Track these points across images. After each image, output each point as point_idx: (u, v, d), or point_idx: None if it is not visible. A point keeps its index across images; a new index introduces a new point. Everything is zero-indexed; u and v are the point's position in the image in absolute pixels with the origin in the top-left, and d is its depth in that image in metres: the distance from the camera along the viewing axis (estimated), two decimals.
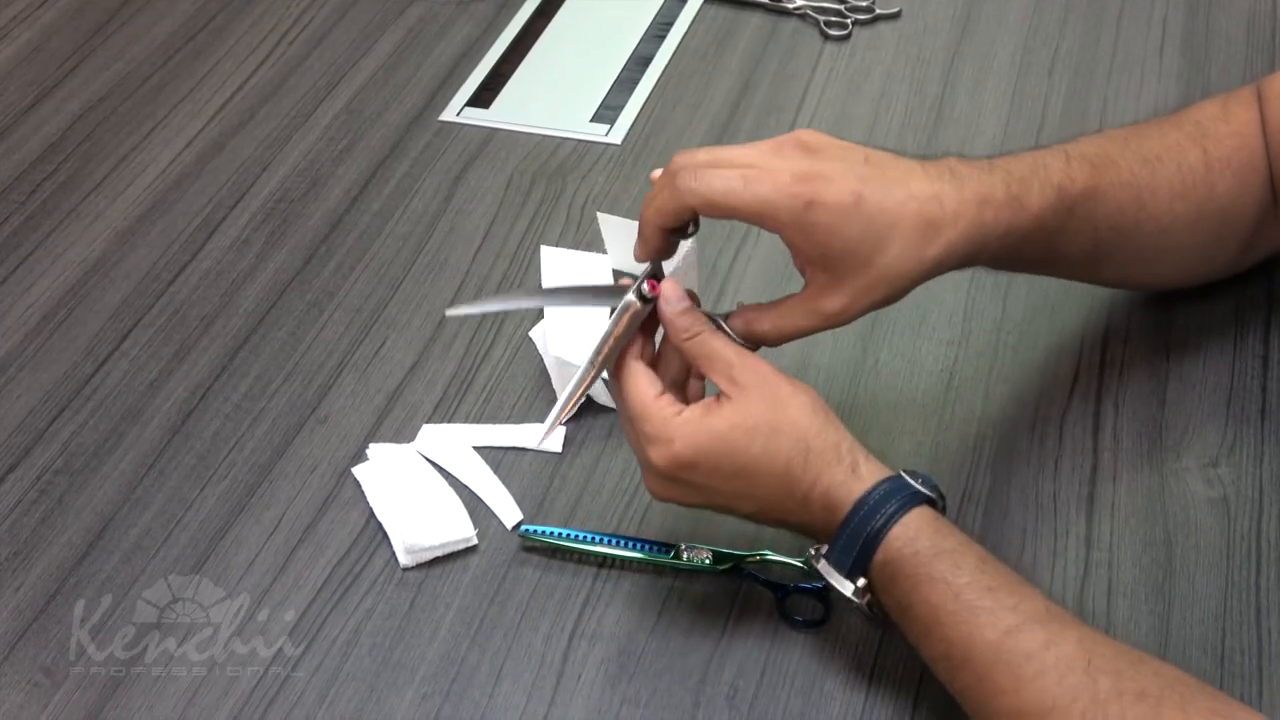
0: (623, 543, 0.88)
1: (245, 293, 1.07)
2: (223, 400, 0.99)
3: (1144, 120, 0.94)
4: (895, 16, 1.31)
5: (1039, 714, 0.69)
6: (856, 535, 0.75)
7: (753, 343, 0.82)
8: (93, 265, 1.11)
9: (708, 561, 0.86)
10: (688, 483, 0.79)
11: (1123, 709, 0.68)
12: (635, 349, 0.81)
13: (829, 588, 0.78)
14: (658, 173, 0.82)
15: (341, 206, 1.15)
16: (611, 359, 0.81)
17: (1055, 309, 1.01)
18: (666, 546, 0.87)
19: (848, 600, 0.77)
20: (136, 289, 1.08)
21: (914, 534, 0.75)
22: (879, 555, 0.75)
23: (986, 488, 0.90)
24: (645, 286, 0.82)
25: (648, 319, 0.82)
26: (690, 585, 0.86)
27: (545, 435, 0.83)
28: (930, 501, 0.77)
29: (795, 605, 0.84)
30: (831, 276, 0.79)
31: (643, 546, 0.87)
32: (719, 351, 0.79)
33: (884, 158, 0.81)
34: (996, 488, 0.90)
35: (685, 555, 0.86)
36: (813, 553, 0.79)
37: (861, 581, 0.76)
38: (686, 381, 0.83)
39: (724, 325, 0.82)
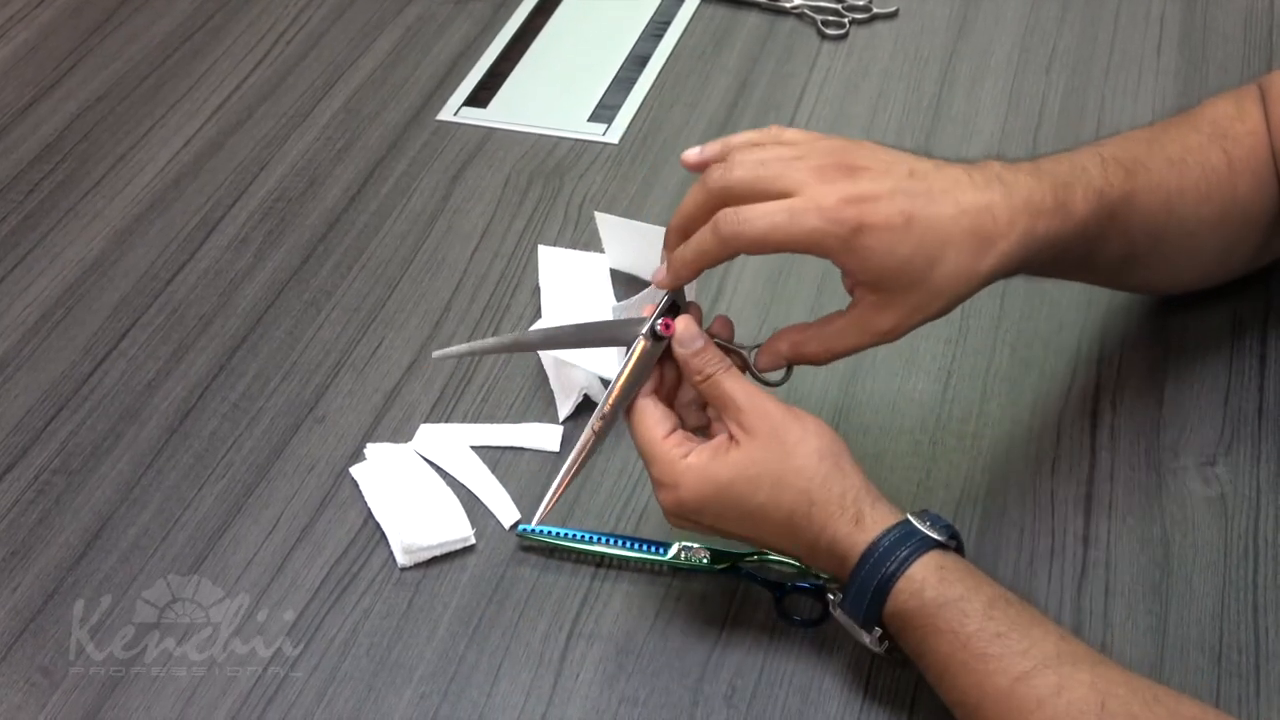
0: (620, 542, 0.88)
1: (243, 292, 1.07)
2: (220, 400, 0.99)
3: (1155, 121, 0.93)
4: (892, 16, 1.31)
5: None
6: (865, 588, 0.75)
7: (799, 363, 0.81)
8: (91, 265, 1.11)
9: (705, 561, 0.86)
10: (696, 522, 0.79)
11: None
12: (648, 385, 0.80)
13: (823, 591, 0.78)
14: (694, 153, 0.79)
15: (339, 206, 1.15)
16: (624, 402, 0.80)
17: (1053, 308, 1.01)
18: (664, 546, 0.87)
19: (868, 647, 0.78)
20: (134, 288, 1.08)
21: (919, 585, 0.74)
22: (888, 607, 0.75)
23: (984, 487, 0.90)
24: (659, 326, 0.80)
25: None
26: (688, 584, 0.86)
27: (548, 507, 0.81)
28: (940, 544, 0.76)
29: (793, 604, 0.84)
30: (883, 296, 0.77)
31: (640, 546, 0.87)
32: (730, 396, 0.78)
33: (928, 168, 0.78)
34: (994, 487, 0.90)
35: (683, 555, 0.86)
36: (831, 599, 0.79)
37: (878, 631, 0.76)
38: (704, 407, 0.82)
39: (749, 360, 0.82)
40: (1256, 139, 0.90)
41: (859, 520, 0.76)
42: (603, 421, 0.80)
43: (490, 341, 0.96)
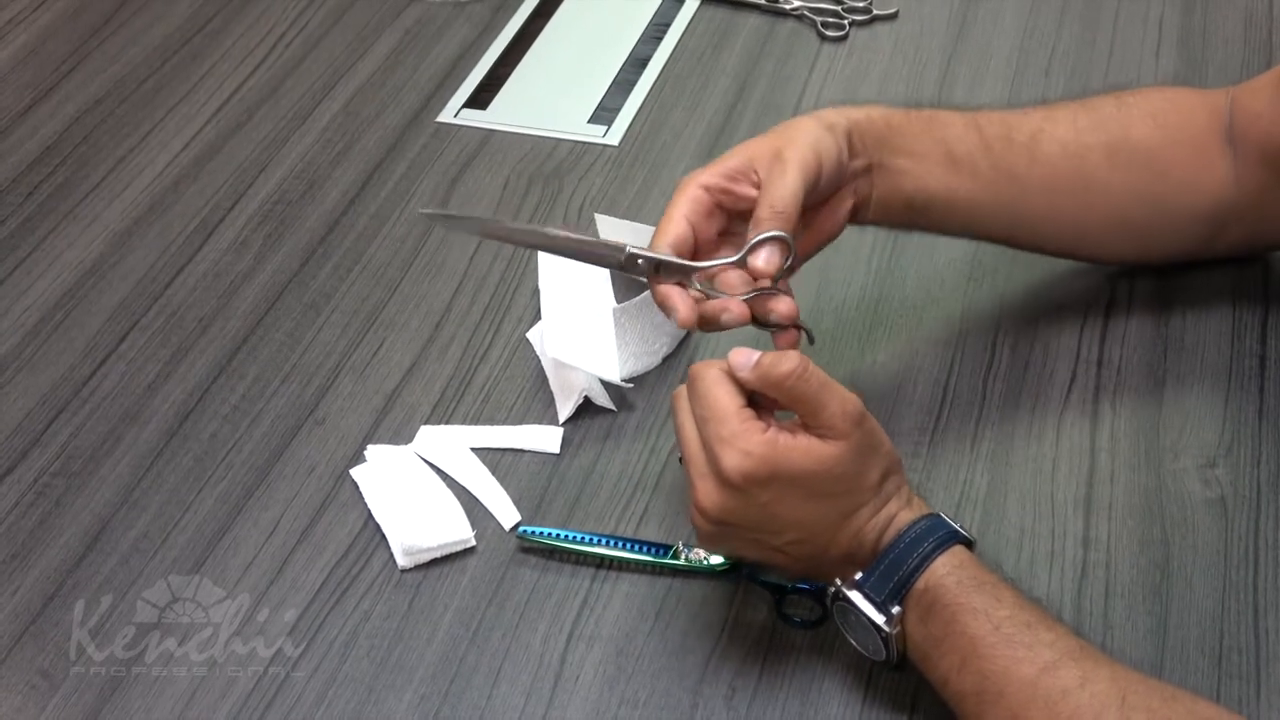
0: (621, 544, 0.88)
1: (243, 294, 1.07)
2: (220, 402, 0.99)
3: None
4: (892, 17, 1.31)
5: None
6: (900, 561, 0.75)
7: (785, 227, 0.82)
8: (90, 267, 1.11)
9: (706, 562, 0.86)
10: (749, 498, 0.76)
11: None
12: (724, 366, 0.79)
13: (830, 605, 0.78)
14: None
15: (339, 208, 1.15)
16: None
17: (1052, 309, 1.01)
18: (664, 547, 0.87)
19: (869, 636, 0.76)
20: (134, 291, 1.08)
21: (957, 565, 0.75)
22: (920, 582, 0.75)
23: (984, 489, 0.90)
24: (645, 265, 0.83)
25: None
26: (688, 586, 0.86)
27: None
28: (967, 543, 0.77)
29: (793, 605, 0.84)
30: (769, 157, 0.84)
31: (641, 547, 0.87)
32: (821, 393, 0.76)
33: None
34: (994, 488, 0.90)
35: (683, 556, 0.86)
36: (839, 583, 0.77)
37: (896, 610, 0.75)
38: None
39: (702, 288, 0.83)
40: (1171, 103, 0.95)
41: (909, 501, 0.78)
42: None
43: (490, 222, 0.96)
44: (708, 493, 0.76)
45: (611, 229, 1.04)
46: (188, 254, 1.11)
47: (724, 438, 0.75)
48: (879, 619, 0.76)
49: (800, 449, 0.75)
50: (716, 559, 0.86)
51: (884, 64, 1.26)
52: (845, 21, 1.30)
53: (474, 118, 1.23)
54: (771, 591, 0.85)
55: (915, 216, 0.92)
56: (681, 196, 0.84)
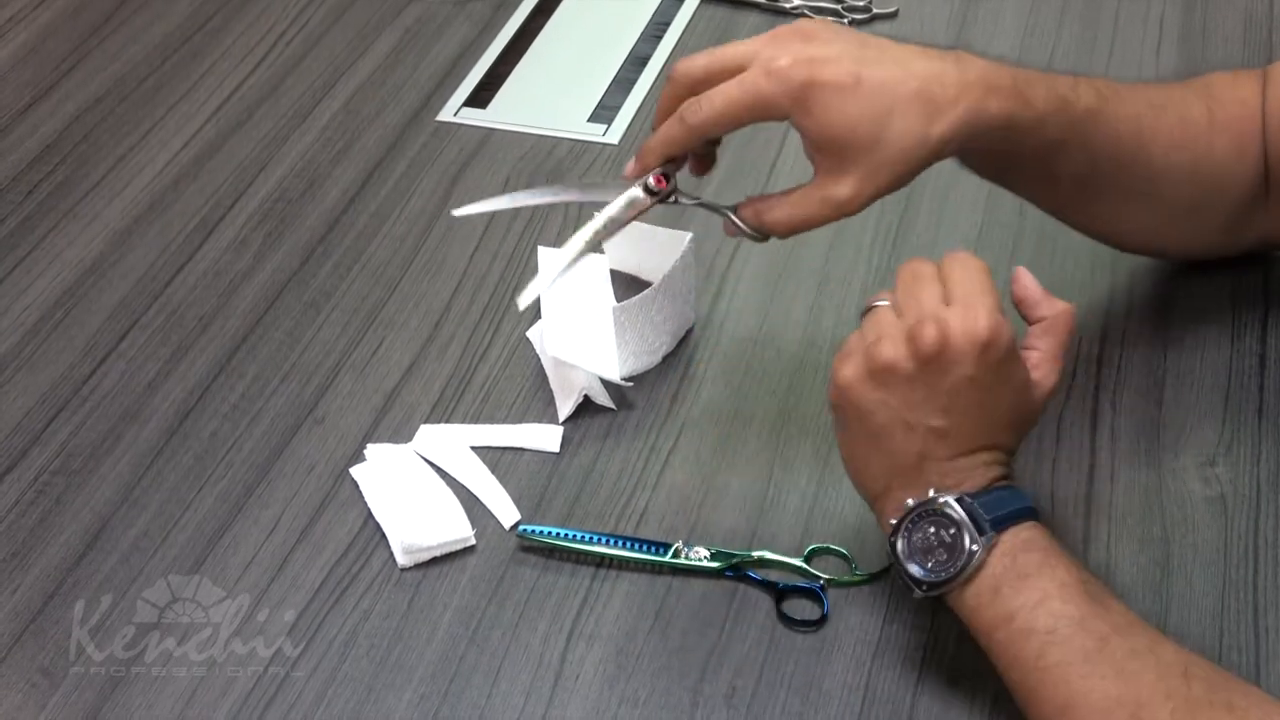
0: (620, 542, 0.88)
1: (242, 293, 1.07)
2: (220, 401, 0.99)
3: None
4: (892, 16, 1.31)
5: (1134, 704, 0.70)
6: (1007, 501, 0.76)
7: (763, 233, 0.84)
8: (90, 266, 1.11)
9: (706, 561, 0.86)
10: (963, 362, 0.75)
11: (1212, 715, 0.69)
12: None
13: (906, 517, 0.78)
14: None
15: (339, 207, 1.15)
16: (605, 237, 0.86)
17: None
18: (664, 546, 0.87)
19: (952, 548, 0.75)
20: (134, 289, 1.08)
21: (1045, 528, 0.77)
22: (1028, 522, 0.76)
23: None
24: (652, 180, 0.85)
25: None
26: (688, 585, 0.86)
27: (527, 299, 0.87)
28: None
29: (793, 605, 0.84)
30: (837, 161, 0.80)
31: (640, 546, 0.87)
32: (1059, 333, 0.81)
33: (883, 41, 0.83)
34: None
35: (683, 555, 0.86)
36: (934, 493, 0.76)
37: (990, 535, 0.75)
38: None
39: (734, 217, 0.85)
40: (1244, 108, 0.92)
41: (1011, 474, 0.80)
42: (584, 244, 0.86)
43: (507, 199, 0.97)
44: (892, 349, 0.76)
45: None
46: (188, 252, 1.11)
47: (990, 305, 0.76)
48: (976, 539, 0.75)
49: (1024, 369, 0.78)
50: (715, 562, 0.86)
51: None
52: (845, 21, 1.30)
53: (474, 116, 1.23)
54: (771, 591, 0.85)
55: (1010, 140, 0.86)
56: (683, 138, 0.84)
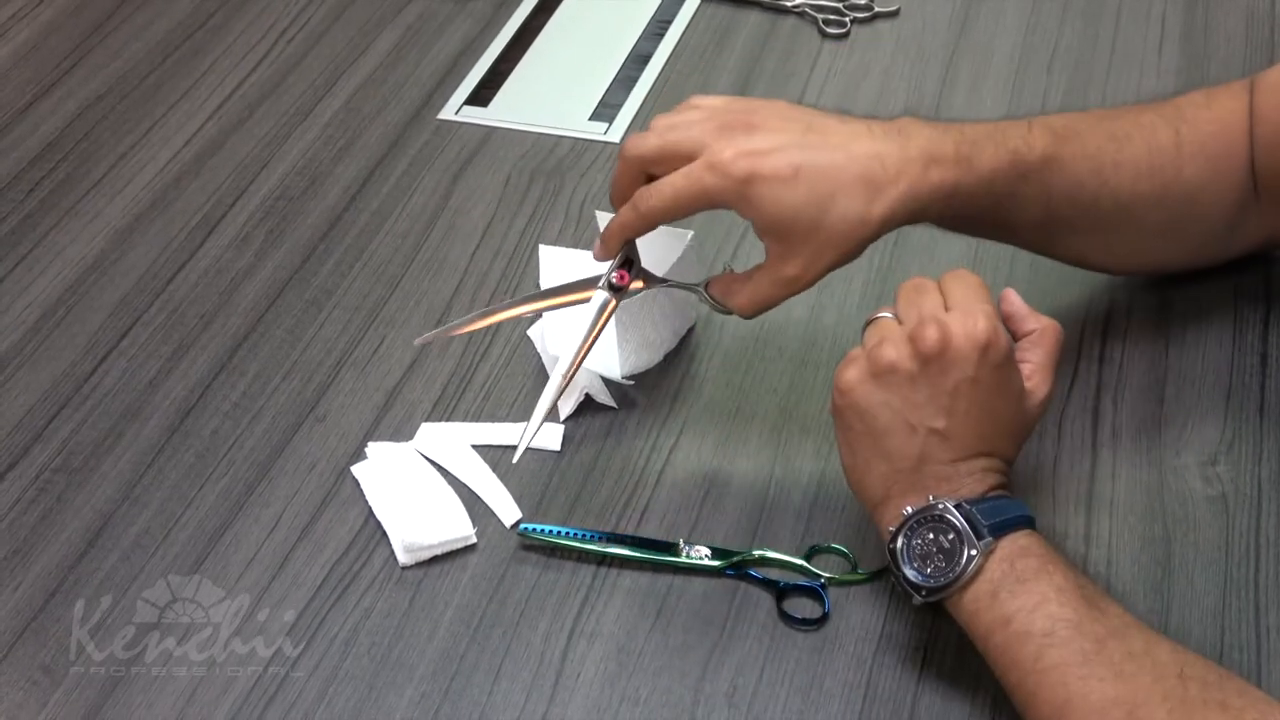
0: (622, 541, 0.88)
1: (244, 291, 1.07)
2: (221, 399, 0.99)
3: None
4: (894, 14, 1.31)
5: (1130, 705, 0.70)
6: (1004, 508, 0.77)
7: (729, 312, 0.88)
8: (91, 263, 1.11)
9: (707, 559, 0.86)
10: (964, 364, 0.77)
11: (1206, 715, 0.69)
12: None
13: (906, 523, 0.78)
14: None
15: (340, 205, 1.15)
16: (589, 347, 0.88)
17: (1053, 306, 1.00)
18: (665, 545, 0.87)
19: (951, 554, 0.76)
20: (135, 287, 1.08)
21: (1043, 538, 0.77)
22: (1024, 531, 0.77)
23: None
24: (615, 278, 0.89)
25: None
26: (689, 584, 0.86)
27: (526, 443, 0.87)
28: None
29: (794, 604, 0.84)
30: (784, 245, 0.84)
31: (642, 545, 0.87)
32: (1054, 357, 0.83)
33: (829, 123, 0.85)
34: None
35: (684, 553, 0.86)
36: (933, 499, 0.78)
37: (988, 540, 0.75)
38: None
39: (705, 293, 0.89)
40: (1219, 125, 0.92)
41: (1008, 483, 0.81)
42: (563, 379, 0.87)
43: (463, 320, 0.95)
44: (896, 349, 0.78)
45: None
46: (189, 250, 1.11)
47: (989, 311, 0.79)
48: (972, 546, 0.75)
49: (1020, 375, 0.81)
50: (716, 560, 0.86)
51: (885, 61, 1.26)
52: (847, 19, 1.30)
53: (475, 115, 1.23)
54: (772, 590, 0.85)
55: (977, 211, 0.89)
56: (637, 226, 0.88)
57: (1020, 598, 0.74)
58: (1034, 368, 0.82)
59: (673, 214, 0.86)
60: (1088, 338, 0.99)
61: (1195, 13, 1.27)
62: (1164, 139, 0.91)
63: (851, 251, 0.84)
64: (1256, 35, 1.25)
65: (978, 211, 0.87)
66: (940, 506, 0.77)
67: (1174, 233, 0.95)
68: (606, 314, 0.89)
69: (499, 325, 1.02)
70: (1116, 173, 0.90)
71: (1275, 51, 1.23)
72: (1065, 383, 0.96)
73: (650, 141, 0.86)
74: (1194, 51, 1.23)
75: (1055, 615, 0.73)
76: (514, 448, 0.87)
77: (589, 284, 0.90)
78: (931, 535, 0.77)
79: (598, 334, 0.89)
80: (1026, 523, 0.77)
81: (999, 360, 0.78)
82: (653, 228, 0.88)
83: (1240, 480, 0.89)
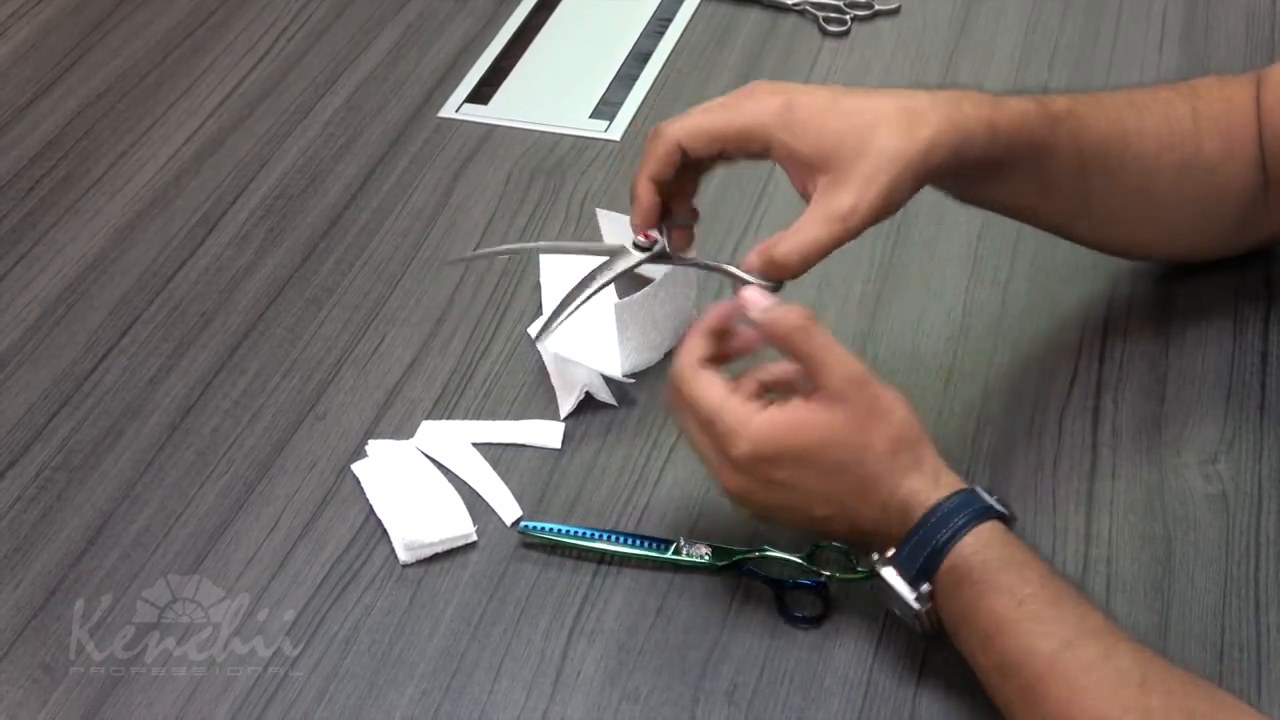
0: (622, 539, 0.88)
1: (244, 289, 1.07)
2: (222, 397, 0.99)
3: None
4: (894, 12, 1.31)
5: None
6: (928, 539, 0.75)
7: (775, 277, 0.82)
8: (92, 261, 1.11)
9: (707, 557, 0.86)
10: (767, 479, 0.78)
11: None
12: (697, 354, 0.80)
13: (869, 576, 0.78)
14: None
15: (340, 203, 1.15)
16: (596, 291, 0.87)
17: (1054, 305, 1.01)
18: (666, 543, 0.87)
19: (905, 609, 0.77)
20: (135, 285, 1.08)
21: (985, 543, 0.75)
22: (947, 561, 0.75)
23: (986, 484, 0.89)
24: (641, 238, 0.86)
25: (708, 331, 0.83)
26: (689, 581, 0.86)
27: (541, 333, 0.88)
28: (1002, 518, 0.77)
29: (795, 601, 0.84)
30: (831, 175, 0.80)
31: (642, 543, 0.87)
32: (822, 351, 0.78)
33: (852, 88, 0.85)
34: (995, 483, 0.90)
35: (684, 551, 0.86)
36: (875, 558, 0.78)
37: (925, 587, 0.76)
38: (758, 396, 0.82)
39: (736, 272, 0.83)
40: (1231, 105, 0.92)
41: (937, 478, 0.78)
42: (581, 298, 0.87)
43: (494, 249, 0.98)
44: (729, 479, 0.79)
45: (612, 224, 1.04)
46: (190, 248, 1.11)
47: (725, 432, 0.77)
48: (910, 595, 0.76)
49: (798, 420, 0.77)
50: (717, 559, 0.86)
51: (886, 59, 1.26)
52: (847, 17, 1.30)
53: (476, 112, 1.23)
54: (773, 587, 0.85)
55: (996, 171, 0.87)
56: (652, 156, 0.85)
57: (971, 636, 0.75)
58: (809, 387, 0.79)
59: (698, 135, 0.82)
60: (1088, 336, 0.99)
61: (1196, 11, 1.27)
62: (1181, 111, 0.91)
63: (901, 179, 0.79)
64: (1257, 34, 1.25)
65: (1015, 157, 0.84)
66: (878, 568, 0.78)
67: (1197, 213, 0.94)
68: (624, 263, 0.88)
69: (501, 322, 1.03)
70: (1140, 140, 0.89)
71: (1275, 50, 1.23)
72: (1065, 381, 0.96)
73: (675, 117, 0.84)
74: (1194, 50, 1.23)
75: (1001, 647, 0.72)
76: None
77: (614, 249, 0.89)
78: (887, 589, 0.77)
79: (608, 283, 0.88)
80: (964, 522, 0.75)
81: (774, 455, 0.77)
82: (676, 155, 0.83)
83: (1241, 478, 0.89)
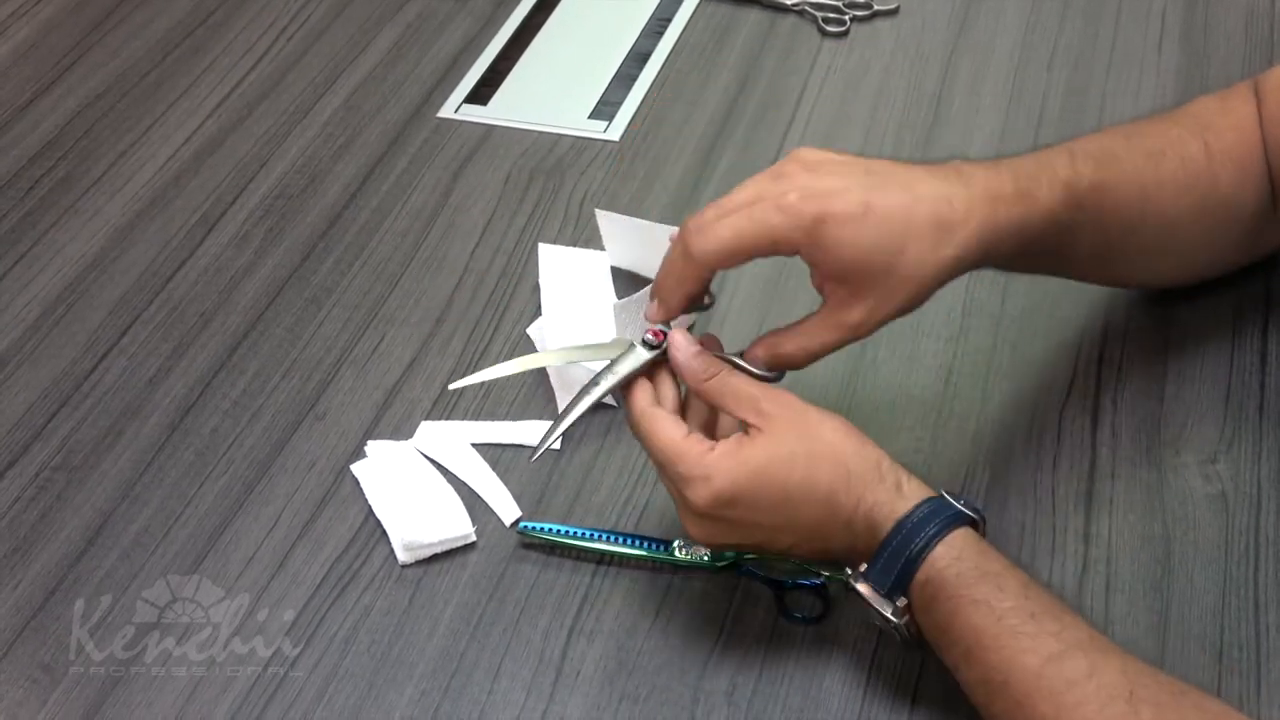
0: (621, 539, 0.88)
1: (244, 289, 1.07)
2: (221, 397, 0.99)
3: (1142, 117, 0.94)
4: (893, 13, 1.31)
5: None
6: (899, 554, 0.75)
7: (779, 369, 0.82)
8: (91, 261, 1.11)
9: (706, 558, 0.86)
10: (728, 520, 0.77)
11: None
12: (648, 397, 0.80)
13: (829, 592, 0.78)
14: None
15: (340, 203, 1.15)
16: (607, 394, 0.83)
17: (1054, 305, 1.01)
18: (665, 543, 0.87)
19: (885, 621, 0.77)
20: (135, 285, 1.08)
21: (958, 554, 0.74)
22: (920, 574, 0.74)
23: (985, 484, 0.90)
24: (650, 335, 0.82)
25: (662, 368, 0.82)
26: (689, 581, 0.86)
27: (536, 455, 0.85)
28: (973, 523, 0.76)
29: (794, 601, 0.84)
30: (851, 289, 0.78)
31: (641, 543, 0.87)
32: (741, 388, 0.79)
33: (886, 165, 0.80)
34: (995, 484, 0.90)
35: (684, 552, 0.86)
36: (850, 573, 0.78)
37: (901, 601, 0.75)
38: (714, 425, 0.82)
39: (741, 363, 0.82)
40: (1240, 133, 0.91)
41: (899, 488, 0.77)
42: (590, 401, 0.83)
43: (496, 368, 0.92)
44: (694, 526, 0.79)
45: (612, 224, 1.04)
46: (189, 248, 1.11)
47: (683, 474, 0.77)
48: (886, 610, 0.76)
49: (747, 450, 0.77)
50: (716, 559, 0.86)
51: (885, 60, 1.26)
52: (846, 17, 1.30)
53: (475, 113, 1.23)
54: (772, 587, 0.85)
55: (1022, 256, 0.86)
56: (690, 279, 0.81)
57: (952, 649, 0.74)
58: (742, 424, 0.78)
59: (729, 256, 0.78)
60: (1087, 336, 0.99)
61: (1195, 11, 1.27)
62: (1194, 151, 0.89)
63: (920, 296, 0.79)
64: (1256, 33, 1.25)
65: (1042, 248, 0.83)
66: (853, 583, 0.77)
67: (1213, 243, 0.94)
68: (639, 367, 0.82)
69: (500, 322, 1.03)
70: (1159, 191, 0.88)
71: (1275, 50, 1.23)
72: (1065, 381, 0.96)
73: (707, 212, 0.79)
74: (1194, 50, 1.23)
75: (984, 661, 0.72)
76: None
77: (621, 345, 0.85)
78: (865, 605, 0.77)
79: (623, 381, 0.82)
80: (935, 532, 0.74)
81: (731, 496, 0.76)
82: (709, 276, 0.81)
83: (1240, 479, 0.89)
